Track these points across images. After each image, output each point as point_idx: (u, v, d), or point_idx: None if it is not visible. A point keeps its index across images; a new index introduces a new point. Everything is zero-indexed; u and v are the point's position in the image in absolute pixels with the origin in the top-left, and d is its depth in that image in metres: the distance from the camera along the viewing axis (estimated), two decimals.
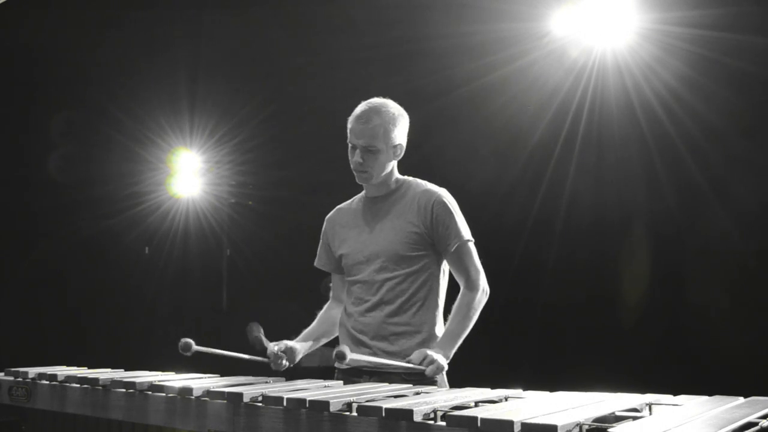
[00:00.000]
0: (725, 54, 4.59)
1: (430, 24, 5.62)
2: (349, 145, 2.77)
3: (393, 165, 2.81)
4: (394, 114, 2.74)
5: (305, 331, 2.93)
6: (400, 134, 2.77)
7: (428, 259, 2.75)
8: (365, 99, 2.82)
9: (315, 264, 3.04)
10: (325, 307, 3.02)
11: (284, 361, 2.77)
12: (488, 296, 2.77)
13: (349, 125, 2.77)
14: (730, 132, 4.76)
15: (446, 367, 2.61)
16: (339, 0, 6.01)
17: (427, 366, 2.53)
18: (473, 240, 2.77)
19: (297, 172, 6.67)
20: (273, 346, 2.72)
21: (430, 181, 2.87)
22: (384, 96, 2.83)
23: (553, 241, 5.49)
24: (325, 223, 3.00)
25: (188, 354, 2.63)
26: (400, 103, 2.84)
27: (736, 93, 4.65)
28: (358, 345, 2.76)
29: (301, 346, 2.83)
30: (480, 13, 5.30)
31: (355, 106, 2.80)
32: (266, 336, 2.74)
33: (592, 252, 5.35)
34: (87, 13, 6.35)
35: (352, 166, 2.78)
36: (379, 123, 2.70)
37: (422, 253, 2.73)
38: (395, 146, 2.76)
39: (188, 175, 7.47)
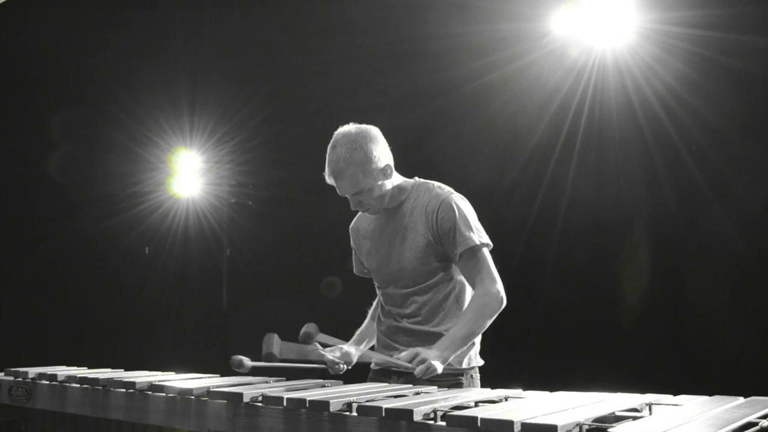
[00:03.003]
0: (725, 54, 4.58)
1: (430, 24, 5.61)
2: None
3: (390, 182, 2.72)
4: (363, 146, 2.62)
5: (358, 332, 2.93)
6: (381, 156, 2.66)
7: (448, 270, 2.72)
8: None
9: (354, 272, 3.02)
10: (374, 303, 3.01)
11: (342, 366, 2.72)
12: (503, 305, 2.65)
13: (328, 182, 2.69)
14: (730, 132, 4.75)
15: (439, 371, 2.52)
16: (339, 0, 6.01)
17: (416, 365, 2.49)
18: (486, 244, 2.67)
19: (297, 172, 6.65)
20: (329, 354, 2.68)
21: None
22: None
23: (553, 241, 5.49)
24: (350, 233, 2.99)
25: (244, 371, 2.57)
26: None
27: (736, 93, 4.65)
28: (390, 350, 2.77)
29: (356, 348, 2.78)
30: (480, 13, 5.30)
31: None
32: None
33: (592, 252, 5.34)
34: (87, 13, 6.36)
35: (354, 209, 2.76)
36: (354, 170, 2.61)
37: (439, 264, 2.70)
38: (381, 170, 2.66)
39: (188, 175, 7.47)
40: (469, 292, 2.76)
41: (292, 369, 2.65)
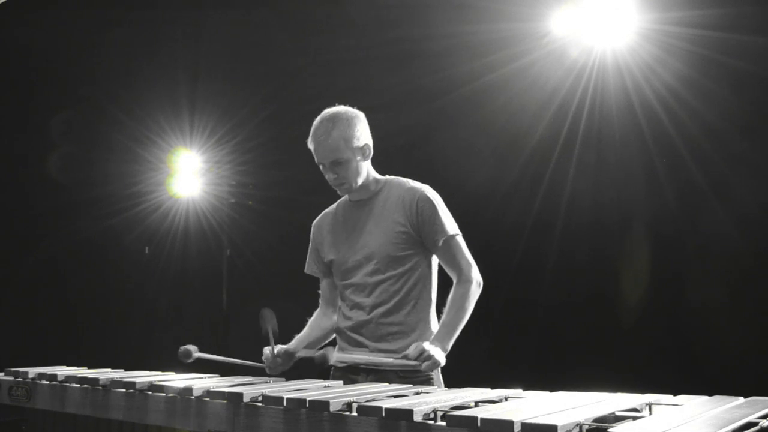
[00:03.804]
0: (725, 54, 4.58)
1: (430, 24, 5.61)
2: (320, 165, 2.78)
3: (367, 166, 2.81)
4: (348, 119, 2.74)
5: (296, 338, 2.91)
6: (363, 135, 2.77)
7: (418, 258, 2.76)
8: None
9: (305, 270, 3.04)
10: (315, 313, 3.01)
11: (280, 365, 2.76)
12: (482, 288, 2.77)
13: (310, 147, 2.77)
14: (730, 132, 4.75)
15: (443, 362, 2.61)
16: (339, 0, 6.01)
17: (423, 362, 2.53)
18: (461, 234, 2.78)
19: (297, 172, 6.65)
20: (267, 350, 2.71)
21: (430, 181, 2.88)
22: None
23: (553, 241, 5.49)
24: (312, 229, 3.01)
25: (189, 361, 2.63)
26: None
27: (736, 93, 4.65)
28: (357, 346, 2.77)
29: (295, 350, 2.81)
30: (480, 13, 5.30)
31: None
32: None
33: (592, 252, 5.35)
34: (87, 13, 6.35)
35: (330, 183, 2.79)
36: (337, 134, 2.70)
37: (411, 252, 2.75)
38: (361, 148, 2.75)
39: (188, 175, 7.47)
40: (434, 280, 2.81)
41: (238, 366, 2.69)
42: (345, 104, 2.83)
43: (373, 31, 5.77)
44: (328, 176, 2.76)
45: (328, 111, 2.78)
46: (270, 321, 2.60)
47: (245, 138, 7.02)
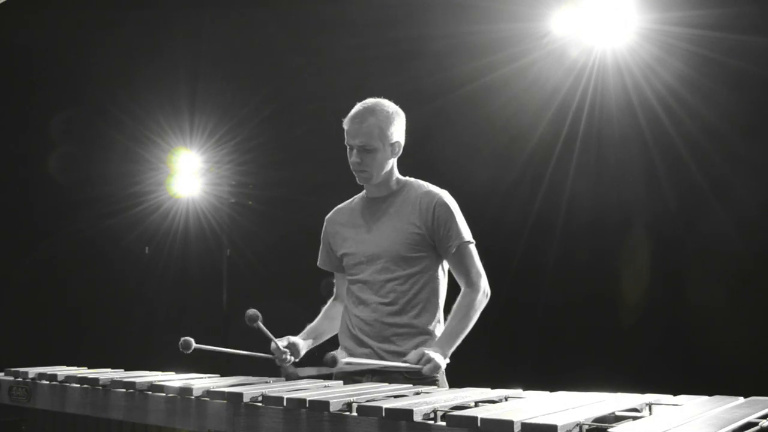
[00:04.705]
0: (725, 54, 4.59)
1: (430, 24, 5.62)
2: (347, 147, 2.78)
3: (393, 164, 2.81)
4: (389, 112, 2.75)
5: (308, 327, 2.92)
6: (397, 132, 2.77)
7: (429, 260, 2.75)
8: (365, 99, 2.83)
9: (318, 264, 3.04)
10: (328, 303, 3.02)
11: (288, 356, 2.73)
12: (489, 298, 2.76)
13: (345, 127, 2.78)
14: (730, 132, 4.76)
15: (443, 367, 2.61)
16: (339, 0, 6.01)
17: (424, 365, 2.53)
18: (474, 242, 2.77)
19: (297, 172, 6.67)
20: (277, 342, 2.70)
21: (430, 181, 2.87)
22: (383, 96, 2.84)
23: (553, 241, 5.49)
24: (325, 223, 3.00)
25: (188, 352, 2.61)
26: (400, 103, 2.84)
27: (736, 93, 4.65)
28: (360, 345, 2.76)
29: (304, 342, 2.82)
30: (480, 13, 5.30)
31: (355, 106, 2.81)
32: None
33: (592, 252, 5.35)
34: (87, 13, 6.36)
35: (351, 168, 2.79)
36: (374, 122, 2.71)
37: (423, 254, 2.74)
38: (393, 144, 2.76)
39: (188, 175, 7.47)
40: (443, 287, 2.81)
41: (237, 357, 2.67)
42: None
43: (373, 31, 5.77)
44: (352, 160, 2.75)
45: (372, 99, 2.80)
46: (254, 321, 2.58)
47: (245, 138, 7.02)
